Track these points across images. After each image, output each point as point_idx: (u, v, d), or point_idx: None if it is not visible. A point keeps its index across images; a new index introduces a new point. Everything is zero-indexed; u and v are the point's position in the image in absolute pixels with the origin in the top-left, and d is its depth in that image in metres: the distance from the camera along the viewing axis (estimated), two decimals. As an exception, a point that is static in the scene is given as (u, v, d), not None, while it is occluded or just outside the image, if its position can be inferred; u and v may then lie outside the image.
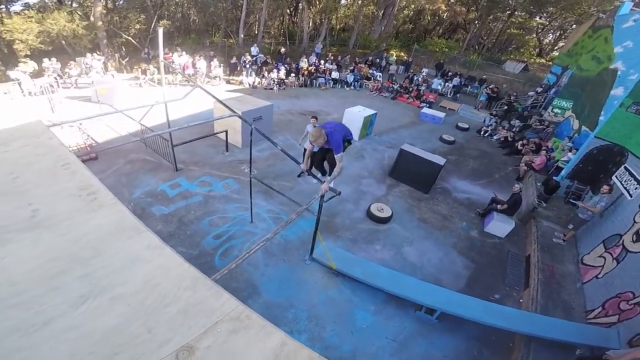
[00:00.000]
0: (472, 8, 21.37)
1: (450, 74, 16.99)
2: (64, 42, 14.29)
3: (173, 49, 13.49)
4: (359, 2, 21.32)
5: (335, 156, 3.70)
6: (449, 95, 15.36)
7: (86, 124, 7.71)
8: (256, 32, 18.91)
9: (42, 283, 1.53)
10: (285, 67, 13.64)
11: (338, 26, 23.16)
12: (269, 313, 4.19)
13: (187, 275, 1.56)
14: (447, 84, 15.86)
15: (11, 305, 1.44)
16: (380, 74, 16.04)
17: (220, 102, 4.91)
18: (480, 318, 4.02)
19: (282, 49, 15.81)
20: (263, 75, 13.11)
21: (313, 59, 15.30)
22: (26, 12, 14.32)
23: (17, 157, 2.44)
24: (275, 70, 13.24)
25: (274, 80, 12.74)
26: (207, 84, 12.30)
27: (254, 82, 12.78)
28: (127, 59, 15.06)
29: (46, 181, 2.18)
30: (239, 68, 13.49)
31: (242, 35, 17.11)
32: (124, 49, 16.43)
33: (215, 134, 7.76)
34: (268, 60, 14.65)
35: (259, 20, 18.04)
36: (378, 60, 17.77)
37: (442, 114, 11.91)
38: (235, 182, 6.72)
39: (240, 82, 12.91)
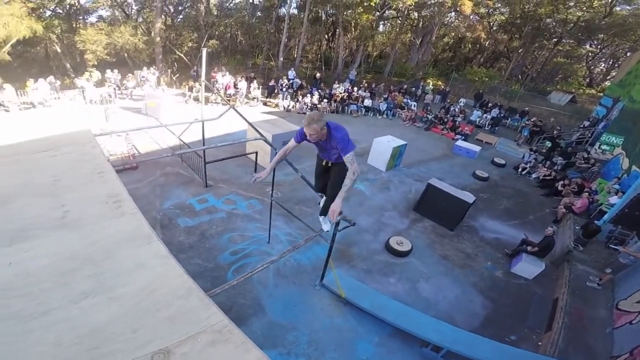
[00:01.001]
0: (516, 36, 21.28)
1: (489, 104, 16.86)
2: (126, 54, 16.36)
3: (219, 68, 14.82)
4: (396, 29, 22.10)
5: (345, 158, 2.77)
6: (486, 128, 15.26)
7: (132, 135, 8.72)
8: (294, 56, 20.24)
9: (53, 278, 1.71)
10: (318, 93, 14.44)
11: (374, 53, 24.03)
12: (270, 333, 4.42)
13: (184, 286, 1.69)
14: (485, 115, 15.75)
15: (19, 294, 1.65)
16: (415, 103, 16.36)
17: (250, 124, 5.41)
18: (489, 359, 3.99)
19: (318, 74, 16.80)
20: (297, 100, 14.01)
21: (347, 85, 16.04)
22: (99, 24, 16.72)
23: (61, 162, 2.83)
24: (309, 95, 14.12)
25: (307, 105, 13.55)
26: (246, 104, 13.38)
27: (288, 106, 13.72)
28: (177, 75, 16.90)
29: (81, 187, 2.50)
30: (276, 90, 14.53)
31: (281, 59, 18.45)
32: (176, 65, 18.40)
33: (246, 154, 8.42)
34: (304, 85, 15.62)
35: (298, 45, 19.35)
36: (414, 89, 18.15)
37: (477, 148, 11.86)
38: (259, 202, 7.24)
39: (276, 105, 13.95)
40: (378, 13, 18.03)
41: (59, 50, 17.22)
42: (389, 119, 14.94)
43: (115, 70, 13.44)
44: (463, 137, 13.21)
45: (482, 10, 19.41)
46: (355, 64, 19.35)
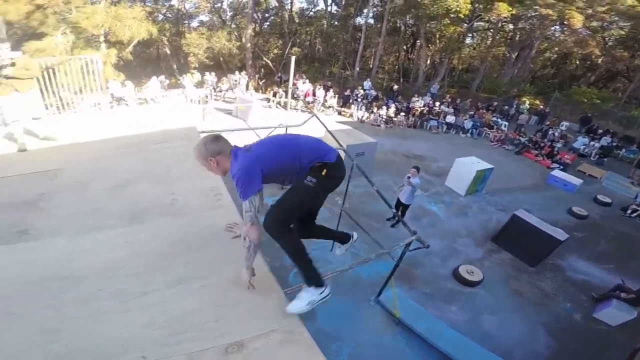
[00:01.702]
0: (639, 53, 18.58)
1: (599, 131, 15.11)
2: (221, 59, 18.86)
3: (300, 75, 16.22)
4: (487, 42, 21.17)
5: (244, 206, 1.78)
6: (592, 158, 13.70)
7: (224, 135, 10.19)
8: (371, 67, 20.84)
9: (157, 261, 1.95)
10: (395, 105, 14.74)
11: (460, 66, 23.32)
12: (315, 339, 4.76)
13: (267, 283, 1.84)
14: (592, 143, 14.18)
15: (128, 273, 1.90)
16: (507, 123, 15.49)
17: (331, 134, 5.94)
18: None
19: (395, 86, 17.07)
20: (372, 111, 14.54)
21: (427, 99, 16.00)
22: (200, 29, 19.39)
23: (174, 154, 3.35)
24: (384, 107, 14.53)
25: (381, 117, 14.00)
26: (321, 112, 14.39)
27: (362, 117, 14.35)
28: (263, 80, 18.77)
29: (188, 178, 2.92)
30: (351, 100, 15.27)
31: (357, 69, 19.24)
32: (262, 71, 20.43)
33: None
34: (379, 96, 16.07)
35: (374, 55, 19.88)
36: (506, 107, 17.20)
37: (578, 181, 10.73)
38: (326, 211, 7.63)
39: (350, 115, 14.72)
40: (466, 25, 17.61)
41: (168, 52, 20.61)
42: (474, 139, 14.46)
43: (213, 73, 15.74)
44: (561, 167, 12.07)
45: (595, 24, 17.52)
46: (438, 77, 19.13)
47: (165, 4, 19.56)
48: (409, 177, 6.91)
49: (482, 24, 20.02)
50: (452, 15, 15.62)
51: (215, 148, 1.83)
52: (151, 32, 16.01)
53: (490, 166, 9.27)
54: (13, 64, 3.76)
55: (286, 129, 7.71)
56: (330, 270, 5.93)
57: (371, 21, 20.77)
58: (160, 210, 2.49)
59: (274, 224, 1.79)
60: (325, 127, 5.74)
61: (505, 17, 15.83)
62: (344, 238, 2.83)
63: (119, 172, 3.09)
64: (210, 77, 15.47)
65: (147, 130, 3.95)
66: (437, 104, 15.52)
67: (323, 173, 1.83)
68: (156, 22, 18.01)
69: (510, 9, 14.48)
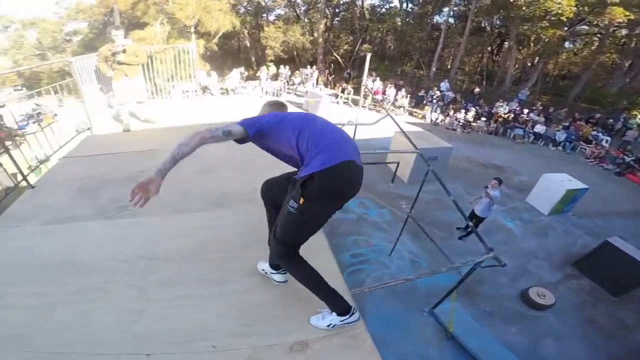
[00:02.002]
0: None
1: None
2: (295, 52, 19.56)
3: (369, 73, 16.04)
4: (592, 47, 18.52)
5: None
6: None
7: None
8: (449, 67, 19.69)
9: (235, 249, 2.04)
10: (475, 109, 13.73)
11: (555, 72, 20.80)
12: None
13: (336, 284, 1.79)
14: None
15: (208, 259, 1.99)
16: (609, 138, 13.38)
17: (405, 135, 5.74)
18: None
19: (477, 89, 15.90)
20: (448, 114, 13.74)
21: (514, 105, 14.61)
22: (277, 22, 20.34)
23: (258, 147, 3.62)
24: (462, 111, 13.62)
25: (458, 121, 13.15)
26: (391, 112, 14.02)
27: (436, 119, 13.66)
28: (333, 75, 19.06)
29: (268, 168, 2.91)
30: (424, 101, 14.63)
31: (434, 69, 18.32)
32: (332, 66, 20.77)
33: (387, 163, 8.89)
34: (457, 98, 15.12)
35: (454, 55, 18.73)
36: (611, 120, 14.90)
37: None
38: (389, 213, 7.59)
39: (423, 117, 14.13)
40: (567, 28, 15.57)
41: (247, 44, 22.05)
42: (566, 153, 12.82)
43: (287, 67, 16.42)
44: None
45: None
46: (529, 83, 17.30)
47: None
48: (486, 188, 6.48)
49: (586, 27, 17.57)
50: (551, 18, 13.99)
51: (268, 109, 2.00)
52: (234, 24, 17.29)
53: (584, 186, 8.24)
54: (124, 51, 4.07)
55: (355, 127, 7.69)
56: (387, 275, 5.92)
57: (451, 20, 19.72)
58: (241, 197, 2.59)
59: (279, 258, 1.66)
60: (399, 127, 5.62)
61: (620, 22, 13.65)
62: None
63: (207, 156, 3.25)
64: (285, 70, 16.15)
65: (231, 119, 4.42)
66: (526, 111, 14.04)
67: (309, 191, 1.46)
68: (238, 15, 19.26)
69: (628, 13, 12.42)
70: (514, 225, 7.92)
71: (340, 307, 1.64)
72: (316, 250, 1.98)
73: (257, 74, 16.36)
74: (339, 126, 1.86)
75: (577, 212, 8.65)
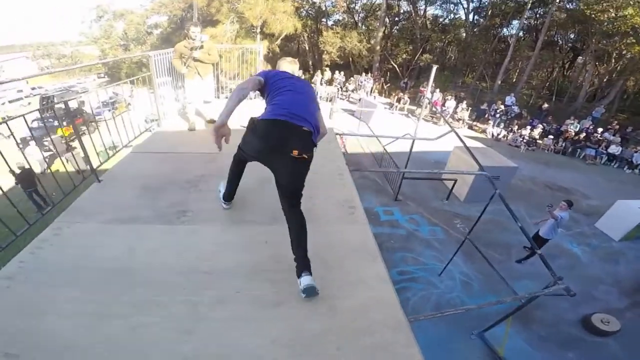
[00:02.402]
0: None
1: None
2: (351, 59, 19.90)
3: (428, 83, 15.85)
4: None
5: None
6: None
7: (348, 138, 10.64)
8: (514, 80, 18.74)
9: (292, 270, 1.88)
10: (542, 126, 13.02)
11: (634, 89, 18.88)
12: None
13: (395, 317, 1.77)
14: None
15: (265, 279, 1.94)
16: (696, 162, 11.99)
17: (471, 153, 5.33)
18: None
19: (545, 105, 15.03)
20: (511, 129, 13.20)
21: (587, 123, 13.60)
22: (335, 27, 20.84)
23: (315, 156, 3.47)
24: (528, 127, 13.03)
25: (522, 137, 12.57)
26: (447, 125, 13.75)
27: (498, 134, 13.23)
28: (388, 84, 19.11)
29: (325, 185, 2.94)
30: (486, 115, 14.16)
31: (499, 82, 17.62)
32: (388, 75, 20.84)
33: (444, 179, 8.72)
34: (523, 114, 14.43)
35: (521, 69, 17.76)
36: None
37: None
38: (442, 232, 7.37)
39: (483, 131, 13.75)
40: None
41: (306, 47, 22.80)
42: (644, 177, 11.77)
43: (342, 73, 16.79)
44: None
45: None
46: (606, 100, 15.98)
47: (310, 0, 21.52)
48: (549, 207, 6.25)
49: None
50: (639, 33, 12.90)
51: (281, 63, 2.35)
52: (296, 27, 17.91)
53: None
54: (202, 47, 4.02)
55: (413, 141, 7.65)
56: (435, 295, 5.88)
57: (520, 33, 18.88)
58: None
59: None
60: (464, 145, 5.44)
61: None
62: None
63: (263, 169, 3.30)
64: (340, 76, 16.53)
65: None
66: (600, 130, 13.05)
67: (248, 127, 1.96)
68: (300, 18, 19.93)
69: None
70: (580, 250, 7.50)
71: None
72: (374, 280, 1.98)
73: (312, 80, 16.84)
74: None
75: None
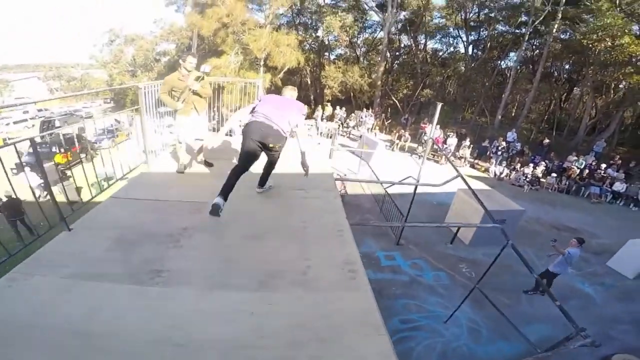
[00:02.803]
0: None
1: None
2: (352, 94, 20.18)
3: (429, 119, 15.99)
4: None
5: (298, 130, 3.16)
6: None
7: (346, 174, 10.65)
8: (513, 114, 18.90)
9: (282, 345, 1.76)
10: (545, 163, 13.00)
11: (633, 120, 19.08)
12: None
13: None
14: None
15: (249, 356, 1.72)
16: (694, 198, 11.84)
17: (477, 197, 5.20)
18: None
19: (546, 140, 15.07)
20: (514, 168, 13.15)
21: (590, 158, 13.58)
22: (337, 62, 21.22)
23: (310, 207, 3.23)
24: (531, 165, 12.99)
25: (525, 177, 12.51)
26: (450, 164, 13.73)
27: (501, 173, 13.15)
28: (389, 120, 19.28)
29: (324, 241, 2.68)
30: (488, 153, 14.15)
31: (499, 117, 17.76)
32: (389, 111, 21.04)
33: (449, 225, 8.56)
34: (525, 150, 14.41)
35: (520, 102, 17.92)
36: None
37: None
38: (447, 277, 7.13)
39: (486, 170, 13.62)
40: None
41: (309, 81, 23.22)
42: (648, 215, 11.57)
43: (343, 108, 17.05)
44: None
45: None
46: (606, 133, 16.04)
47: (313, 34, 22.20)
48: (554, 241, 6.35)
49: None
50: (638, 63, 13.06)
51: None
52: (299, 60, 18.15)
53: None
54: (203, 78, 3.74)
55: (415, 187, 7.52)
56: (441, 344, 5.55)
57: (518, 66, 19.35)
58: (292, 277, 2.27)
59: None
60: (472, 191, 5.34)
61: None
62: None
63: (257, 216, 3.07)
64: (341, 112, 16.77)
65: (285, 169, 3.73)
66: (603, 166, 12.95)
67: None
68: (304, 51, 20.29)
69: None
70: (593, 289, 7.35)
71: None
72: (378, 359, 1.76)
73: (313, 115, 17.00)
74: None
75: None
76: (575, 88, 20.43)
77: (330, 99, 19.63)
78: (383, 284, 6.49)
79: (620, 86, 15.90)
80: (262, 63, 18.14)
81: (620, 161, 13.45)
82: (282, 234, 2.78)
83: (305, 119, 14.00)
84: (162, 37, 25.26)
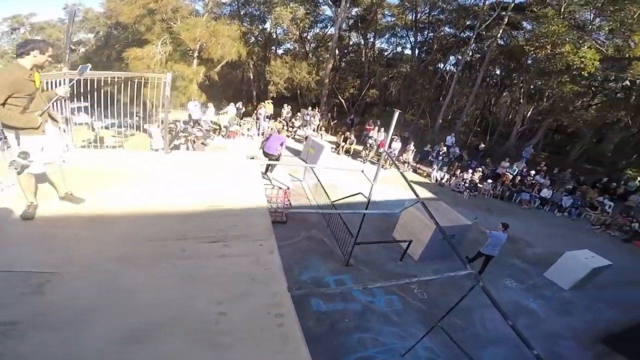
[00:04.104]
0: None
1: None
2: (298, 91, 18.96)
3: (374, 122, 15.45)
4: (594, 101, 18.14)
5: None
6: None
7: (289, 184, 9.55)
8: (449, 118, 19.25)
9: None
10: (481, 169, 13.15)
11: (554, 127, 20.63)
12: None
13: None
14: None
15: None
16: (612, 203, 12.91)
17: (444, 234, 4.56)
18: None
19: (482, 145, 15.42)
20: (454, 173, 13.05)
21: (522, 165, 14.08)
22: (285, 57, 19.69)
23: (231, 274, 2.26)
24: (470, 170, 12.96)
25: (464, 182, 12.46)
26: (393, 168, 13.27)
27: (442, 179, 12.92)
28: (335, 121, 18.37)
29: (252, 339, 1.82)
30: (430, 157, 13.92)
31: (439, 120, 17.88)
32: (335, 110, 20.16)
33: (399, 241, 8.09)
34: (463, 156, 14.49)
35: (458, 107, 18.15)
36: (614, 184, 14.50)
37: None
38: (399, 301, 6.65)
39: (427, 175, 13.27)
40: (584, 82, 15.19)
41: (251, 76, 21.45)
42: (571, 219, 12.24)
43: (289, 107, 15.75)
44: None
45: None
46: (534, 140, 16.99)
47: (260, 26, 20.51)
48: (476, 219, 6.84)
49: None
50: (573, 72, 13.54)
51: None
52: (241, 54, 16.43)
53: (607, 262, 8.05)
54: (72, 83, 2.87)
55: (368, 201, 6.75)
56: None
57: (453, 69, 19.77)
58: (198, 336, 1.67)
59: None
60: (430, 214, 4.69)
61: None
62: None
63: (139, 298, 1.89)
64: (285, 110, 15.46)
65: (200, 206, 2.75)
66: (532, 172, 13.45)
67: None
68: (247, 44, 18.62)
69: None
70: (536, 304, 7.48)
71: None
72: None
73: (256, 113, 15.44)
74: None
75: (596, 284, 8.30)
76: (504, 93, 21.58)
77: (274, 95, 18.17)
78: (335, 317, 5.94)
79: (551, 94, 16.73)
80: (195, 55, 16.12)
81: (545, 167, 14.19)
82: (183, 331, 1.72)
83: (245, 116, 12.63)
84: (76, 26, 21.63)
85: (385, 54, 22.66)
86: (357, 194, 8.71)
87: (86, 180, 2.91)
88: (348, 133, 14.53)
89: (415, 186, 11.08)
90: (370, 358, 5.36)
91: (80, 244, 2.00)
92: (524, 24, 16.37)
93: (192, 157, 4.33)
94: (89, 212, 2.57)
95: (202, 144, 10.97)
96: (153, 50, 14.67)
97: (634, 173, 16.24)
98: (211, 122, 14.09)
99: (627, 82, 14.62)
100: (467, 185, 12.36)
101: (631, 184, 14.83)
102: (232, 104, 15.22)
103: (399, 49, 22.16)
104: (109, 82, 5.04)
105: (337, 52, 20.25)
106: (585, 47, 12.70)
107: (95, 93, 4.13)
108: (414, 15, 19.05)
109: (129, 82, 4.73)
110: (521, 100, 17.65)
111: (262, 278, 2.17)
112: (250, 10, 20.19)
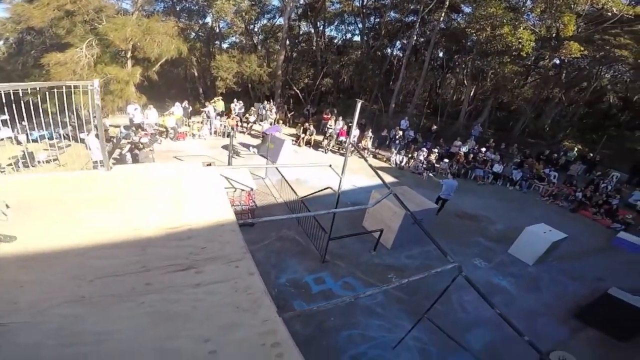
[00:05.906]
0: None
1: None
2: (250, 85, 18.20)
3: (331, 110, 15.37)
4: (529, 80, 19.83)
5: None
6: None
7: (251, 184, 9.12)
8: (402, 101, 19.83)
9: None
10: (436, 149, 13.72)
11: (497, 105, 22.24)
12: None
13: None
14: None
15: None
16: (556, 174, 14.25)
17: (416, 221, 4.77)
18: None
19: (434, 126, 16.07)
20: (412, 156, 13.47)
21: (472, 143, 14.95)
22: (231, 51, 18.70)
23: (213, 307, 1.98)
24: (425, 151, 13.44)
25: (422, 164, 12.92)
26: (354, 155, 13.35)
27: (401, 162, 13.28)
28: (292, 112, 17.95)
29: (230, 316, 1.86)
30: (387, 142, 14.23)
31: (392, 105, 18.30)
32: (291, 102, 19.70)
33: (371, 232, 8.13)
34: (418, 138, 15.01)
35: (406, 90, 18.66)
36: (555, 155, 15.99)
37: (648, 242, 9.71)
38: (380, 292, 6.65)
39: (387, 160, 13.60)
40: (523, 63, 16.45)
41: (196, 73, 20.12)
42: (523, 192, 13.25)
43: (240, 102, 15.03)
44: (622, 227, 11.04)
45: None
46: (481, 118, 18.13)
47: (200, 21, 19.21)
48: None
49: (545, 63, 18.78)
50: (513, 53, 14.48)
51: None
52: (181, 51, 15.17)
53: (563, 235, 8.57)
54: None
55: (338, 197, 6.60)
56: None
57: (400, 53, 20.25)
58: None
59: None
60: (402, 205, 4.82)
61: (577, 57, 14.66)
62: None
63: (110, 343, 1.63)
64: (237, 106, 14.74)
65: (159, 229, 2.40)
66: (483, 149, 14.34)
67: None
68: (188, 40, 17.38)
69: (582, 48, 13.24)
70: (507, 282, 7.83)
71: None
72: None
73: (204, 108, 14.54)
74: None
75: (555, 256, 8.87)
76: (448, 75, 22.66)
77: (223, 91, 17.26)
78: (321, 317, 5.87)
79: (493, 74, 17.74)
80: (129, 55, 14.70)
81: (494, 144, 15.20)
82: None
83: (193, 115, 11.74)
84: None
85: (335, 41, 22.68)
86: (325, 188, 8.61)
87: (16, 212, 2.39)
88: (307, 124, 14.30)
89: (381, 174, 11.34)
90: (364, 355, 5.36)
91: (23, 289, 1.67)
92: (463, 6, 17.13)
93: (141, 171, 3.79)
94: (25, 251, 2.11)
95: (150, 150, 10.08)
96: (77, 54, 13.02)
97: (571, 144, 18.11)
98: (156, 124, 13.04)
99: (556, 61, 16.01)
100: (425, 166, 12.82)
101: (570, 154, 16.49)
102: (177, 103, 14.22)
103: (349, 35, 22.33)
104: (29, 92, 4.33)
105: (287, 42, 19.67)
106: (521, 28, 13.62)
107: (14, 105, 3.45)
108: (360, 1, 19.17)
109: (55, 91, 4.08)
110: (465, 82, 18.68)
111: (247, 305, 1.92)
112: (187, 5, 18.82)
